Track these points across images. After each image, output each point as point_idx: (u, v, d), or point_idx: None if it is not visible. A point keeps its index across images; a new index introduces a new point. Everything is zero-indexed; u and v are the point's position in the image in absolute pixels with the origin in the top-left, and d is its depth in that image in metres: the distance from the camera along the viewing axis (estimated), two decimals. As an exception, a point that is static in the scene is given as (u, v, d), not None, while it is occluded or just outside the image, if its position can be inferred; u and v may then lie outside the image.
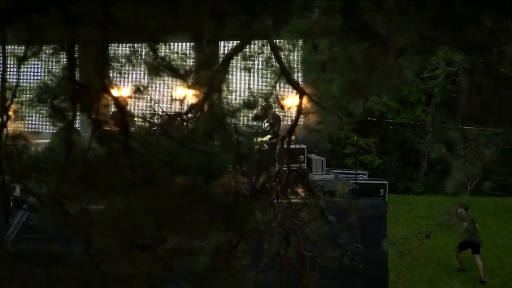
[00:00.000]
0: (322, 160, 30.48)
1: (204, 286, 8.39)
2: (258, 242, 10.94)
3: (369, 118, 39.49)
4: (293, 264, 11.00)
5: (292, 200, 11.00)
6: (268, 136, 23.67)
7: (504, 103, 11.42)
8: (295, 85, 10.61)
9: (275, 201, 10.72)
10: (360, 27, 7.88)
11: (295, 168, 10.83)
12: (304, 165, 29.97)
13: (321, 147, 31.25)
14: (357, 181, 28.79)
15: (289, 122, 12.43)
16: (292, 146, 29.55)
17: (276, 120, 26.20)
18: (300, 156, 30.23)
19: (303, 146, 29.95)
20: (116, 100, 7.23)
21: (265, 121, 24.98)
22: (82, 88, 7.13)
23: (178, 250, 7.52)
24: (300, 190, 11.03)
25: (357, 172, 30.42)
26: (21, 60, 7.25)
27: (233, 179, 9.40)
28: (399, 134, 41.32)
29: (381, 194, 28.46)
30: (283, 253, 10.97)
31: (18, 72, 7.16)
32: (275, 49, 10.32)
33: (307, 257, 10.86)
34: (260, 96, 10.72)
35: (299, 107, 10.74)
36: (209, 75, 10.02)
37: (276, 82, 10.61)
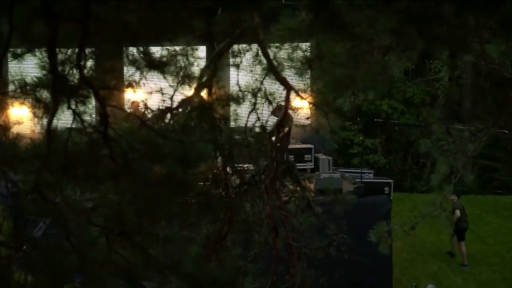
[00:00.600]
0: (329, 160, 30.57)
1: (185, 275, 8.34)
2: (248, 233, 10.92)
3: (375, 119, 39.50)
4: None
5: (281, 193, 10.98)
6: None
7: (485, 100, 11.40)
8: (282, 81, 10.60)
9: (264, 193, 10.69)
10: (333, 22, 7.83)
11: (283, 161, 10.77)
12: (311, 163, 30.12)
13: (328, 147, 31.40)
14: (363, 180, 28.83)
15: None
16: (302, 146, 29.81)
17: (289, 119, 26.40)
18: (307, 156, 30.37)
19: (311, 146, 30.03)
20: (97, 92, 7.22)
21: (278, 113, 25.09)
22: (62, 79, 7.13)
23: (155, 236, 7.51)
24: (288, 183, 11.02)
25: (363, 171, 30.44)
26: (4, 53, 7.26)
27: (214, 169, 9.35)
28: (404, 134, 41.17)
29: (386, 192, 28.49)
30: (272, 243, 10.94)
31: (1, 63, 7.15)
32: (263, 47, 10.31)
33: (295, 247, 10.83)
34: (249, 92, 10.71)
35: (287, 102, 10.71)
36: (200, 72, 10.05)
37: (264, 78, 10.59)
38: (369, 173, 31.35)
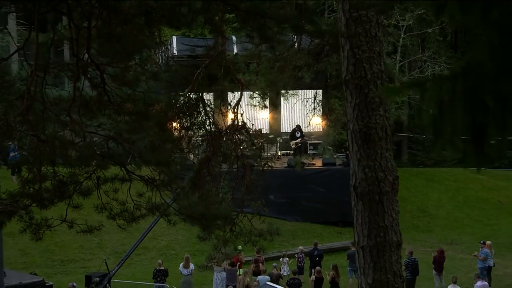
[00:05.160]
0: (331, 148, 29.79)
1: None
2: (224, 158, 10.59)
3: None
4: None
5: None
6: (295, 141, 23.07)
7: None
8: (239, 80, 10.31)
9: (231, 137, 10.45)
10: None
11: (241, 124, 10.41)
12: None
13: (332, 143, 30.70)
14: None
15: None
16: (316, 142, 28.90)
17: (302, 132, 26.12)
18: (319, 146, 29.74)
19: (321, 141, 29.42)
20: (98, 66, 7.06)
21: (297, 132, 24.66)
22: (80, 60, 7.03)
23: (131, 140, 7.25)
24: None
25: (348, 154, 30.03)
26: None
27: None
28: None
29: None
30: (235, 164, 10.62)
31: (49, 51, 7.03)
32: (228, 60, 10.03)
33: (247, 165, 10.46)
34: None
35: (241, 92, 10.41)
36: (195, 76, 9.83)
37: (228, 78, 10.32)
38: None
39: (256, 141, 10.41)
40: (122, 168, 7.26)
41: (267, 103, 11.19)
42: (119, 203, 7.56)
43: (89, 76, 7.10)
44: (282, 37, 7.03)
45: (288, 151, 28.70)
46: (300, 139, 27.24)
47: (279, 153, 27.41)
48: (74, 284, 17.29)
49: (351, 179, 8.78)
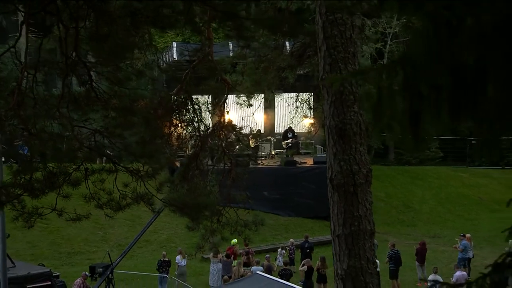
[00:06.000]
0: (321, 148, 29.69)
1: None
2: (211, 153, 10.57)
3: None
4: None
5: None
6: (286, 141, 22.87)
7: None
8: (224, 80, 10.29)
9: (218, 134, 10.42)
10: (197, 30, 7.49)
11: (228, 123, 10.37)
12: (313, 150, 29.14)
13: (321, 142, 30.58)
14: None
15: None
16: (308, 141, 28.77)
17: (294, 133, 26.06)
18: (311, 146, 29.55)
19: (313, 141, 29.30)
20: (85, 64, 7.06)
21: (289, 133, 24.57)
22: (69, 58, 7.02)
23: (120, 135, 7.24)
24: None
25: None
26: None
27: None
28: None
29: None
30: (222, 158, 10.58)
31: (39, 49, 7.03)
32: (214, 62, 10.01)
33: (233, 159, 10.44)
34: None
35: (227, 91, 10.37)
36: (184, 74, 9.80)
37: (216, 77, 10.27)
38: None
39: (242, 137, 10.39)
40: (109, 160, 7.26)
41: (252, 101, 11.11)
42: (106, 193, 7.56)
43: (78, 73, 7.08)
44: (257, 36, 7.01)
45: (281, 150, 28.75)
46: (291, 139, 27.36)
47: (273, 152, 27.46)
48: (87, 273, 17.41)
49: (327, 172, 8.72)
